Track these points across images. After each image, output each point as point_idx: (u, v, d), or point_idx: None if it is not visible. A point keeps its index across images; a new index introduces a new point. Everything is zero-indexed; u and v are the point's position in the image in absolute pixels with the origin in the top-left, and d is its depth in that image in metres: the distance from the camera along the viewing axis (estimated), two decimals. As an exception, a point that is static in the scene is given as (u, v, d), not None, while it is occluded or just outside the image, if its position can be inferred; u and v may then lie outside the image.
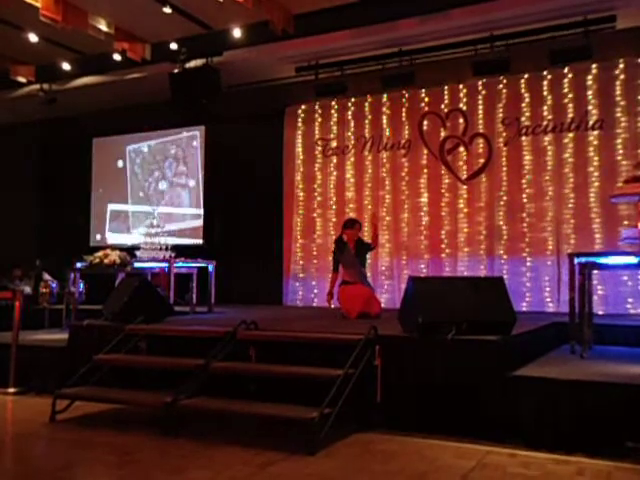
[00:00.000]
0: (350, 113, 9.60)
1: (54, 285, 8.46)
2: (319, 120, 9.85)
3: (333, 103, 9.68)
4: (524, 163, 8.42)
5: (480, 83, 8.73)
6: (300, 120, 9.99)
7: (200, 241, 10.49)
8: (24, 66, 10.02)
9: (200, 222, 10.65)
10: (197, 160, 10.79)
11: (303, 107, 9.96)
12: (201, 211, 10.62)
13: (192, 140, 10.87)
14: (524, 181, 8.40)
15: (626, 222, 7.33)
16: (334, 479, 3.46)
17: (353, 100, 9.54)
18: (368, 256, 7.32)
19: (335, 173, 9.67)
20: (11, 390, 5.76)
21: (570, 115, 8.19)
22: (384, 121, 9.34)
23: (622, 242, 5.84)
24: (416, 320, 4.52)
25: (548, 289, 8.11)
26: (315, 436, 3.85)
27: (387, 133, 9.31)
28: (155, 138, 11.25)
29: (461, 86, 8.87)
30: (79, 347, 5.81)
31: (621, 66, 7.96)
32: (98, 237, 11.52)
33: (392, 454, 3.89)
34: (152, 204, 10.92)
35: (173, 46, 9.12)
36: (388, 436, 4.23)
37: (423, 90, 9.07)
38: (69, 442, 4.25)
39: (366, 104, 9.48)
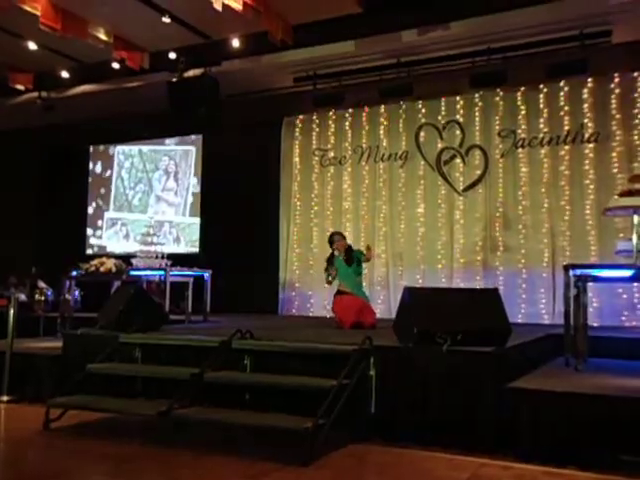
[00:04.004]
0: (348, 124, 9.64)
1: (49, 293, 8.44)
2: (317, 130, 9.89)
3: (331, 113, 9.72)
4: (520, 175, 8.47)
5: (477, 95, 8.77)
6: (298, 130, 10.03)
7: (196, 250, 10.49)
8: (23, 74, 10.04)
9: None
10: (189, 178, 10.75)
11: (301, 117, 10.00)
12: (188, 226, 10.63)
13: (187, 155, 10.83)
14: (520, 193, 8.44)
15: (621, 235, 7.35)
16: (328, 490, 3.46)
17: (351, 111, 9.58)
18: (364, 266, 7.33)
19: (332, 183, 9.69)
20: (5, 398, 5.72)
21: (566, 128, 8.24)
22: (381, 132, 9.38)
23: (617, 254, 5.86)
24: (411, 330, 4.52)
25: (543, 301, 8.13)
26: (309, 447, 3.84)
27: (384, 144, 9.35)
28: (149, 145, 11.23)
29: (458, 98, 8.92)
30: (73, 355, 5.78)
31: (616, 80, 8.03)
32: (94, 244, 11.51)
33: (386, 466, 3.88)
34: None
35: (172, 55, 9.15)
36: (382, 447, 4.22)
37: (420, 101, 9.11)
38: (63, 451, 4.24)
39: (363, 115, 9.52)
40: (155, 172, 11.13)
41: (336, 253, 6.89)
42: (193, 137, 10.79)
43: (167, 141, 11.07)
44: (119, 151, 11.49)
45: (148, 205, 11.09)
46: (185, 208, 10.73)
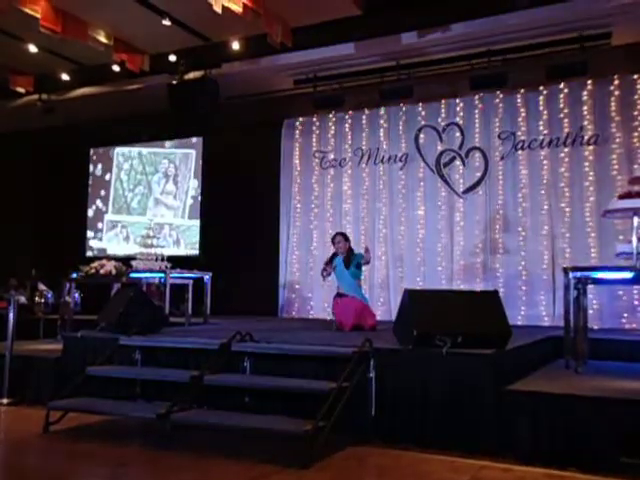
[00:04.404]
0: (348, 126, 9.65)
1: (49, 295, 8.43)
2: (317, 132, 9.89)
3: (331, 116, 9.74)
4: (520, 177, 8.47)
5: (477, 97, 8.78)
6: (298, 132, 10.03)
7: (196, 252, 10.49)
8: (23, 76, 10.05)
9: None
10: (189, 181, 10.74)
11: (301, 119, 10.01)
12: (189, 228, 10.64)
13: (187, 158, 10.82)
14: (520, 195, 8.44)
15: (621, 237, 7.35)
16: (328, 493, 3.46)
17: (351, 113, 9.59)
18: (364, 269, 7.32)
19: (332, 185, 9.70)
20: (4, 400, 5.73)
21: (566, 130, 8.24)
22: (381, 134, 9.38)
23: (617, 257, 5.85)
24: (411, 333, 4.52)
25: (543, 303, 8.12)
26: (309, 449, 3.84)
27: (384, 146, 9.35)
28: (148, 147, 11.24)
29: (458, 100, 8.93)
30: (73, 358, 5.80)
31: (616, 82, 8.03)
32: (94, 247, 11.50)
33: (386, 468, 3.88)
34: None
35: (172, 58, 9.17)
36: (382, 450, 4.22)
37: (420, 103, 9.12)
38: (62, 453, 4.24)
39: (363, 117, 9.53)
40: (154, 175, 11.13)
41: (338, 253, 6.92)
42: (193, 140, 10.79)
43: (167, 144, 11.06)
44: (119, 153, 11.48)
45: (147, 208, 11.09)
46: (184, 212, 10.73)
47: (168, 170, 10.97)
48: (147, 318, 5.97)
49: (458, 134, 8.92)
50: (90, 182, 11.69)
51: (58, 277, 8.15)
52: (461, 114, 8.91)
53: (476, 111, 8.81)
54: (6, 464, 4.19)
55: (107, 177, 11.57)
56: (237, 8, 7.09)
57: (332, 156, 9.74)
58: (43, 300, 8.29)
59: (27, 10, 7.37)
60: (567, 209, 8.16)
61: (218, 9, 6.96)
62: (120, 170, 11.43)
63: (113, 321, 5.86)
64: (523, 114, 8.51)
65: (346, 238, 7.01)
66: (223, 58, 9.10)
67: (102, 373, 5.22)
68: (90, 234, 11.58)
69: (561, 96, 8.31)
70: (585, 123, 8.15)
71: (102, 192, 11.58)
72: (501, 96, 8.64)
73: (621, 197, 5.31)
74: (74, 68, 9.94)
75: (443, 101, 9.02)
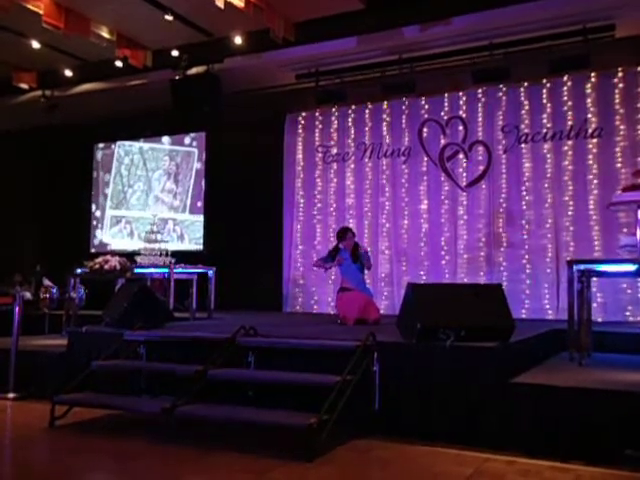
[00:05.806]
0: (350, 120, 9.63)
1: (54, 290, 8.47)
2: (319, 127, 9.88)
3: (333, 110, 9.72)
4: (524, 170, 8.45)
5: (480, 91, 8.76)
6: (300, 127, 10.02)
7: (200, 247, 10.52)
8: (26, 73, 10.07)
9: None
10: (190, 180, 10.73)
11: (303, 114, 10.00)
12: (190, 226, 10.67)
13: (189, 156, 10.80)
14: (523, 188, 8.42)
15: (625, 229, 7.34)
16: (332, 485, 3.47)
17: (353, 107, 9.57)
18: (367, 263, 7.35)
19: (335, 180, 9.69)
20: (10, 395, 5.77)
21: (569, 123, 8.22)
22: (384, 128, 9.36)
23: (621, 249, 5.85)
24: (415, 326, 4.53)
25: (547, 296, 8.12)
26: (313, 443, 3.86)
27: (387, 140, 9.34)
28: (150, 143, 11.23)
29: (461, 94, 8.90)
30: (78, 353, 5.83)
31: (620, 74, 8.00)
32: (98, 242, 11.54)
33: (390, 461, 3.89)
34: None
35: (174, 53, 9.16)
36: (386, 443, 4.23)
37: (423, 97, 9.10)
38: (68, 448, 4.26)
39: (366, 111, 9.51)
40: (155, 172, 11.14)
41: (340, 246, 6.94)
42: (196, 135, 10.79)
43: (169, 140, 11.08)
44: (120, 149, 11.50)
45: (147, 205, 11.11)
46: (185, 210, 10.74)
47: (169, 168, 10.98)
48: (151, 313, 5.99)
49: (461, 128, 8.90)
50: (93, 177, 11.71)
51: (63, 273, 8.17)
52: (464, 108, 8.88)
53: (479, 105, 8.78)
54: (12, 458, 4.22)
55: (110, 173, 11.59)
56: (239, 3, 7.09)
57: (335, 150, 9.73)
58: (48, 296, 8.33)
59: (30, 6, 7.40)
60: (571, 202, 8.15)
61: (220, 4, 6.96)
62: (121, 164, 11.45)
63: (118, 316, 5.88)
64: (526, 107, 8.48)
65: (353, 234, 7.12)
66: (225, 53, 9.08)
67: (107, 368, 5.24)
68: (94, 230, 11.61)
69: (564, 89, 8.28)
70: (589, 116, 8.12)
71: (105, 188, 11.61)
72: (504, 89, 8.61)
73: (625, 190, 5.32)
74: (77, 64, 9.93)
75: (446, 95, 8.99)
